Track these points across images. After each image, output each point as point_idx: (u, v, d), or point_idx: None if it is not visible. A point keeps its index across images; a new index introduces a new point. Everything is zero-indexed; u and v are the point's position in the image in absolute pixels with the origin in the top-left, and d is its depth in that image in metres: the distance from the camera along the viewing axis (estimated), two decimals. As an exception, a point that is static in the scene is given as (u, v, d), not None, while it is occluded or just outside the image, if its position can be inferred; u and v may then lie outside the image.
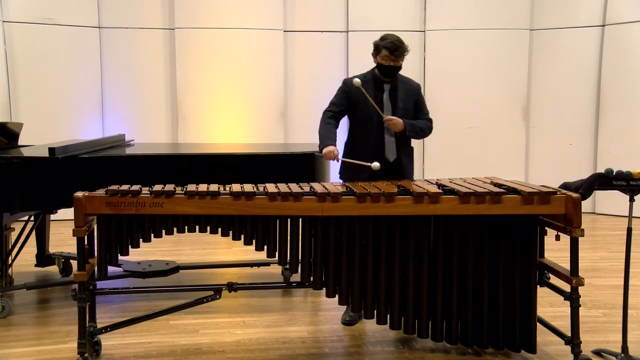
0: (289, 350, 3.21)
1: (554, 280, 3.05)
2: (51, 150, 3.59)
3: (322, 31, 7.30)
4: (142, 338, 3.33)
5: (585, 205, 3.31)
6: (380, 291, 2.99)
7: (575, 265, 2.86)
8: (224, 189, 2.93)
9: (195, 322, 3.58)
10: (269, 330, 3.48)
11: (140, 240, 2.92)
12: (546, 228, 3.05)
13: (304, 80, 7.24)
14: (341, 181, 3.62)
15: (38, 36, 6.65)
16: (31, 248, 4.45)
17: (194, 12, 6.99)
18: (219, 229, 2.92)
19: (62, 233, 5.26)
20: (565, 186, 3.04)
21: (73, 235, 2.79)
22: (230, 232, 2.93)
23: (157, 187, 2.91)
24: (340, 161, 3.60)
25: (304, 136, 6.72)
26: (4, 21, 6.49)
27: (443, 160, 7.27)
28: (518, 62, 7.28)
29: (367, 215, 2.92)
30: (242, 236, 2.94)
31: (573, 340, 2.90)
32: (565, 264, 2.98)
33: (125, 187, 2.91)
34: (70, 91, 6.83)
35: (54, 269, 4.57)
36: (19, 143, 4.47)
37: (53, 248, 4.66)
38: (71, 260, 4.44)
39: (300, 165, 4.01)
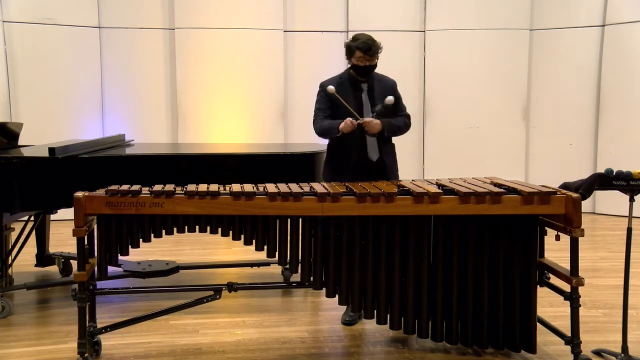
0: (289, 350, 3.21)
1: (554, 280, 3.05)
2: (51, 150, 3.59)
3: (322, 31, 7.30)
4: (142, 338, 3.33)
5: (585, 205, 3.31)
6: (380, 291, 2.99)
7: (575, 265, 2.86)
8: (224, 189, 2.93)
9: (195, 322, 3.58)
10: (269, 330, 3.48)
11: (140, 240, 2.92)
12: (546, 228, 3.05)
13: (304, 80, 7.23)
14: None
15: (38, 36, 6.65)
16: (31, 248, 4.45)
17: (194, 12, 6.99)
18: (219, 229, 2.92)
19: (62, 233, 5.26)
20: (565, 186, 3.04)
21: (73, 235, 2.79)
22: (230, 232, 2.93)
23: (157, 187, 2.91)
24: (358, 122, 3.46)
25: (304, 136, 6.72)
26: (4, 21, 6.49)
27: (443, 160, 7.27)
28: (518, 62, 7.28)
29: (367, 215, 2.92)
30: (242, 236, 2.94)
31: (573, 340, 2.90)
32: (565, 264, 2.98)
33: (125, 187, 2.91)
34: (70, 91, 6.83)
35: (54, 269, 4.57)
36: (19, 143, 4.47)
37: (53, 248, 4.66)
38: (71, 260, 4.44)
39: (300, 165, 4.01)
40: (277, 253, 2.96)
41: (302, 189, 2.96)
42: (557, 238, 3.02)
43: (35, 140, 4.93)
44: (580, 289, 2.89)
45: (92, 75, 6.96)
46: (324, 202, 2.87)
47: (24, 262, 4.63)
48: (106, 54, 7.01)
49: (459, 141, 7.28)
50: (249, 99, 7.12)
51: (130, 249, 2.93)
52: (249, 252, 3.69)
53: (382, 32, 7.05)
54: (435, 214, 2.94)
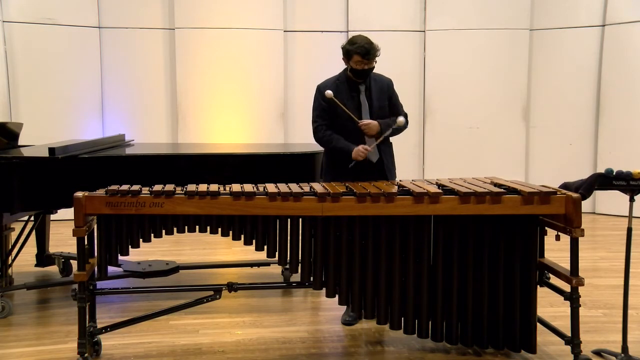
0: (289, 350, 3.21)
1: (554, 280, 3.05)
2: (51, 150, 3.59)
3: (322, 31, 7.30)
4: (142, 338, 3.33)
5: (585, 205, 3.31)
6: (380, 291, 2.99)
7: (575, 265, 2.86)
8: (224, 189, 2.93)
9: (195, 322, 3.58)
10: (269, 330, 3.48)
11: (140, 240, 2.92)
12: (546, 228, 3.05)
13: (304, 80, 7.23)
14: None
15: (38, 36, 6.65)
16: (31, 248, 4.45)
17: (194, 12, 6.99)
18: (219, 229, 2.92)
19: (62, 233, 5.26)
20: (565, 186, 3.04)
21: (73, 235, 2.79)
22: (230, 232, 2.93)
23: (157, 187, 2.91)
24: (373, 147, 3.50)
25: (304, 136, 6.71)
26: (4, 21, 6.49)
27: (443, 160, 7.27)
28: (518, 62, 7.28)
29: (367, 215, 2.92)
30: (242, 236, 2.94)
31: (573, 340, 2.90)
32: (565, 264, 2.98)
33: (125, 187, 2.91)
34: (70, 91, 6.83)
35: (54, 269, 4.57)
36: (19, 143, 4.47)
37: (53, 248, 4.66)
38: (71, 260, 4.44)
39: (300, 165, 4.01)
40: (277, 253, 2.96)
41: (302, 189, 2.96)
42: (557, 238, 3.02)
43: (35, 140, 4.93)
44: (580, 289, 2.89)
45: (92, 75, 6.96)
46: (324, 202, 2.87)
47: (24, 262, 4.63)
48: (106, 54, 7.01)
49: (459, 141, 7.28)
50: (249, 99, 7.12)
51: (130, 249, 2.93)
52: (249, 252, 3.70)
53: (382, 32, 7.13)
54: (435, 214, 2.94)
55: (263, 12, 7.10)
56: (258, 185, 3.05)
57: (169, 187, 2.92)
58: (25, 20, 6.60)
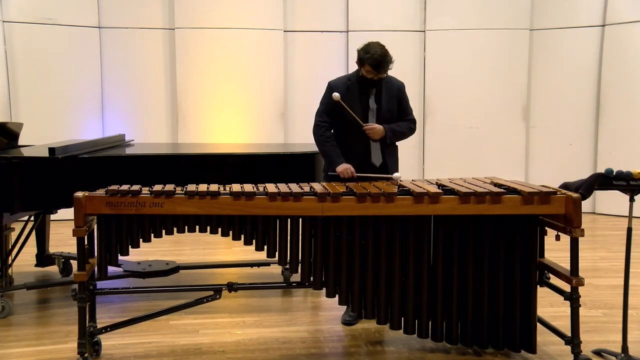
0: (289, 350, 3.21)
1: (554, 280, 3.05)
2: (51, 150, 3.60)
3: (322, 31, 7.30)
4: (142, 338, 3.33)
5: (585, 205, 3.31)
6: (380, 291, 2.99)
7: (575, 265, 2.86)
8: (224, 189, 2.93)
9: (195, 322, 3.58)
10: (269, 330, 3.48)
11: (140, 240, 2.92)
12: (546, 228, 3.05)
13: (304, 80, 7.24)
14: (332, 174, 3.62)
15: (38, 36, 6.65)
16: (31, 248, 4.45)
17: (194, 12, 6.99)
18: (219, 229, 2.92)
19: (62, 233, 5.26)
20: (565, 186, 3.04)
21: (73, 235, 2.79)
22: (230, 232, 2.93)
23: (157, 187, 2.91)
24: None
25: (304, 136, 6.70)
26: (4, 21, 6.49)
27: (443, 160, 7.27)
28: (518, 62, 7.28)
29: (367, 215, 2.92)
30: (242, 236, 2.94)
31: (573, 340, 2.90)
32: (565, 264, 2.98)
33: (125, 187, 2.91)
34: (70, 91, 6.83)
35: (54, 269, 4.57)
36: (19, 143, 4.47)
37: (53, 248, 4.66)
38: (71, 260, 4.44)
39: (301, 165, 4.01)
40: (277, 253, 2.96)
41: (302, 189, 2.97)
42: (557, 238, 3.02)
43: (35, 140, 4.94)
44: (580, 289, 2.89)
45: (92, 75, 6.96)
46: (324, 202, 2.87)
47: (24, 262, 4.63)
48: (106, 54, 7.01)
49: (459, 141, 7.29)
50: (249, 99, 7.12)
51: (130, 249, 2.93)
52: (249, 252, 3.70)
53: (382, 32, 7.13)
54: (435, 214, 2.94)
55: (263, 12, 7.10)
56: (258, 185, 3.05)
57: (169, 187, 2.92)
58: (25, 20, 6.60)
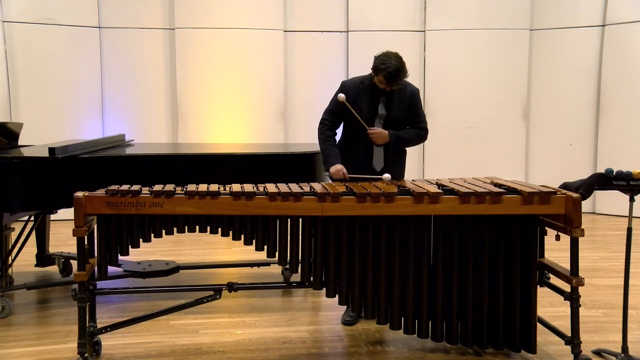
0: (289, 350, 3.21)
1: (554, 280, 3.05)
2: (51, 150, 3.60)
3: (322, 31, 7.30)
4: (142, 338, 3.33)
5: (585, 205, 3.31)
6: (380, 291, 2.99)
7: (575, 265, 2.86)
8: (224, 189, 2.93)
9: (195, 322, 3.58)
10: (269, 330, 3.48)
11: (140, 240, 2.92)
12: (546, 228, 3.05)
13: (304, 80, 7.24)
14: (327, 173, 3.63)
15: (38, 36, 6.65)
16: (31, 248, 4.45)
17: (194, 12, 6.99)
18: (219, 229, 2.92)
19: (62, 233, 5.26)
20: (565, 186, 3.04)
21: (73, 235, 2.79)
22: (230, 232, 2.93)
23: (157, 187, 2.91)
24: (348, 178, 3.48)
25: (304, 136, 6.72)
26: (4, 21, 6.49)
27: (443, 160, 7.27)
28: (518, 62, 7.28)
29: (367, 215, 2.92)
30: (242, 236, 2.94)
31: (573, 340, 2.90)
32: (565, 264, 2.98)
33: (125, 187, 2.91)
34: (70, 91, 6.83)
35: (54, 269, 4.57)
36: (19, 143, 4.47)
37: (53, 248, 4.66)
38: (71, 260, 4.44)
39: (301, 165, 4.01)
40: (277, 253, 2.96)
41: (302, 189, 2.97)
42: (557, 238, 3.02)
43: (35, 140, 4.94)
44: (580, 289, 2.89)
45: (92, 75, 6.96)
46: (324, 202, 2.87)
47: (24, 262, 4.63)
48: (106, 54, 7.01)
49: (459, 141, 7.29)
50: (249, 99, 7.12)
51: (130, 249, 2.93)
52: (249, 252, 3.70)
53: (382, 32, 7.14)
54: (435, 214, 2.94)
55: (263, 12, 7.10)
56: (258, 185, 3.05)
57: (169, 187, 2.92)
58: (25, 20, 6.60)
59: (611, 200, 6.86)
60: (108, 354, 3.12)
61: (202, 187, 2.93)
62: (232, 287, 3.10)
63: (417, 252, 2.98)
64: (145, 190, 2.89)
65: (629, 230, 2.96)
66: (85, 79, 6.92)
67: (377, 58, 3.46)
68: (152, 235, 2.92)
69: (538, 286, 3.06)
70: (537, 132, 7.43)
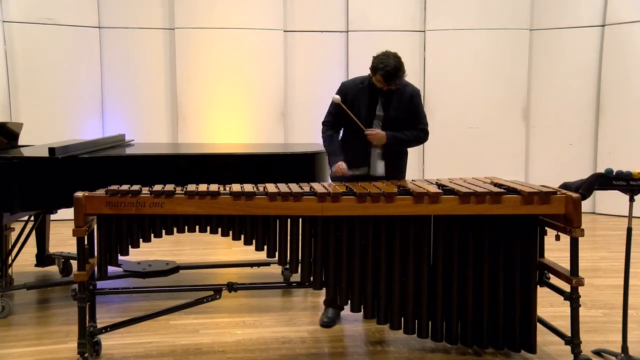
0: (289, 350, 3.21)
1: (554, 280, 3.05)
2: (51, 150, 3.59)
3: (322, 31, 7.30)
4: (142, 338, 3.33)
5: (585, 205, 3.31)
6: (380, 291, 2.99)
7: (575, 265, 2.86)
8: (224, 189, 2.93)
9: (195, 322, 3.58)
10: (269, 330, 3.48)
11: (140, 240, 2.92)
12: (546, 228, 3.05)
13: (304, 80, 7.24)
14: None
15: (38, 36, 6.65)
16: (31, 248, 4.45)
17: (194, 12, 6.99)
18: (219, 229, 2.92)
19: (62, 233, 5.26)
20: (565, 186, 3.04)
21: (73, 235, 2.79)
22: (230, 232, 2.93)
23: (157, 187, 2.91)
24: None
25: (304, 136, 6.73)
26: (4, 21, 6.49)
27: (443, 160, 7.27)
28: (518, 62, 7.28)
29: (367, 215, 2.92)
30: (242, 236, 2.94)
31: (573, 340, 2.90)
32: (565, 264, 2.98)
33: (125, 187, 2.91)
34: (70, 91, 6.83)
35: (54, 269, 4.57)
36: (19, 143, 4.47)
37: (53, 248, 4.66)
38: (71, 260, 4.44)
39: (301, 165, 4.01)
40: (277, 253, 2.96)
41: (302, 189, 2.97)
42: (557, 238, 3.02)
43: (35, 140, 4.94)
44: (580, 289, 2.89)
45: (92, 75, 6.96)
46: (324, 202, 2.87)
47: (24, 262, 4.63)
48: (106, 54, 7.01)
49: (459, 141, 7.29)
50: (249, 99, 7.12)
51: (130, 249, 2.93)
52: (249, 252, 3.70)
53: (382, 32, 7.14)
54: (435, 214, 2.94)
55: (263, 12, 7.10)
56: (258, 185, 3.05)
57: (169, 187, 2.92)
58: (25, 20, 6.60)
59: (611, 200, 6.86)
60: (108, 354, 3.12)
61: (202, 187, 2.93)
62: (232, 287, 3.10)
63: (417, 252, 2.98)
64: (145, 190, 2.89)
65: (629, 230, 2.96)
66: (85, 79, 6.92)
67: (375, 57, 3.46)
68: (152, 235, 2.92)
69: (538, 286, 3.06)
70: (537, 132, 7.43)
